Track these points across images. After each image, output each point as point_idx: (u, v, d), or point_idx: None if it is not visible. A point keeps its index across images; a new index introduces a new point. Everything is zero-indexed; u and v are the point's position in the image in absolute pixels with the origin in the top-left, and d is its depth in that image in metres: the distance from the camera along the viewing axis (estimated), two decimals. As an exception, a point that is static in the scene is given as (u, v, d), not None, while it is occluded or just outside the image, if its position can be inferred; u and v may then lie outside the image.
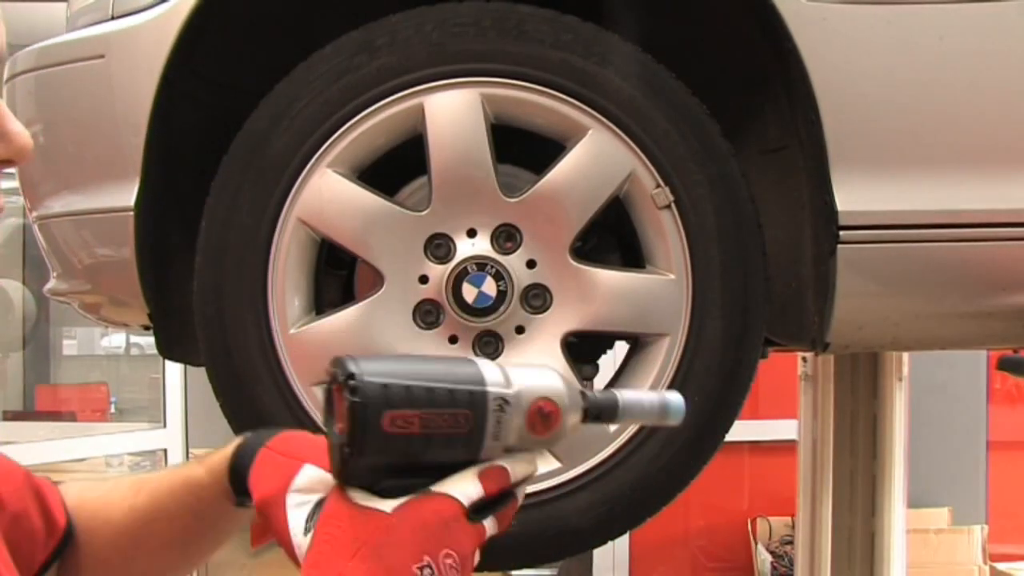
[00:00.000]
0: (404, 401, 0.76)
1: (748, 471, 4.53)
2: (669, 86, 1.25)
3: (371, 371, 0.76)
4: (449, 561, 0.77)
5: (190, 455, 4.20)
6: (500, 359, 1.26)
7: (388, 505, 0.75)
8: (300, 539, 0.79)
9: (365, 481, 0.77)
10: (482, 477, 0.77)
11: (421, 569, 0.75)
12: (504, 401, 0.78)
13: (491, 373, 0.79)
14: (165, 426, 4.10)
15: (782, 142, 1.36)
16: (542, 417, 0.79)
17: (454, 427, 0.77)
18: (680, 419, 0.86)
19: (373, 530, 0.74)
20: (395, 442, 0.75)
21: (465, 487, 0.77)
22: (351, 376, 0.75)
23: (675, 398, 0.88)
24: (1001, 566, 4.13)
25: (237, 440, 0.93)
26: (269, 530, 0.83)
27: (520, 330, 1.26)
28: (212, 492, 0.94)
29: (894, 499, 2.58)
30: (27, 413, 5.03)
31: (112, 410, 5.03)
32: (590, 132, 1.23)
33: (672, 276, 1.25)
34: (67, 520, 0.98)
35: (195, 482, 0.96)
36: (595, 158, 1.23)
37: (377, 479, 0.77)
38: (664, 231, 1.25)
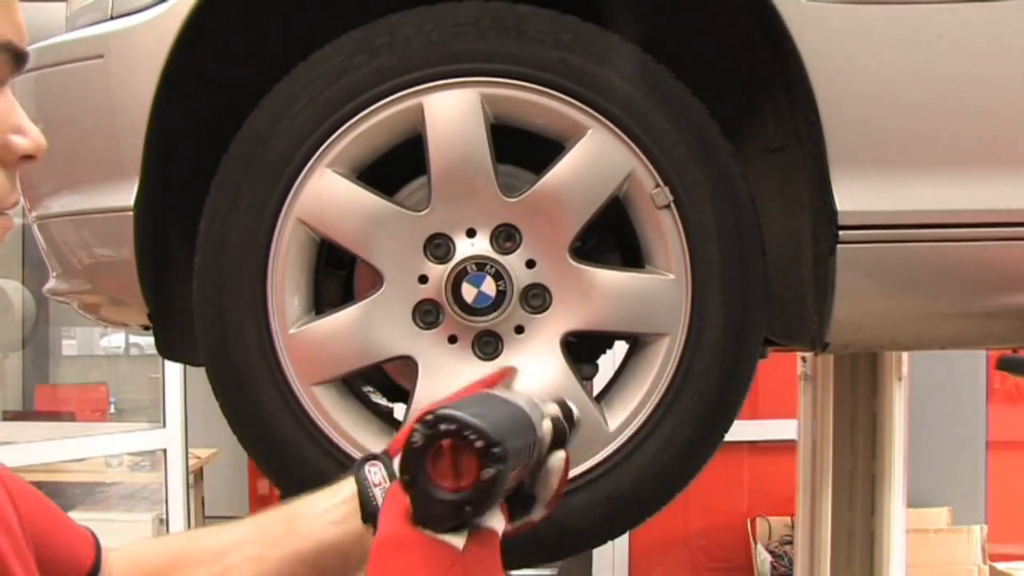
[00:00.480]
0: (519, 462, 0.85)
1: (748, 471, 4.53)
2: (669, 86, 1.25)
3: (500, 434, 0.81)
4: None
5: (190, 455, 4.20)
6: (500, 359, 1.26)
7: (458, 541, 0.80)
8: None
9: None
10: (502, 507, 0.85)
11: None
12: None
13: (536, 420, 0.89)
14: (165, 426, 4.10)
15: (782, 142, 1.36)
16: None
17: (521, 472, 0.88)
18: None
19: (451, 566, 0.79)
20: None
21: (498, 518, 0.84)
22: (493, 444, 0.80)
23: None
24: (1001, 566, 4.13)
25: (343, 481, 0.96)
26: None
27: (520, 330, 1.26)
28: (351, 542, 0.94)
29: (894, 499, 2.58)
30: (27, 413, 5.04)
31: (112, 410, 5.03)
32: (589, 132, 1.23)
33: (672, 276, 1.25)
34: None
35: (333, 546, 0.94)
36: (594, 158, 1.23)
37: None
38: (664, 231, 1.25)
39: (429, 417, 0.83)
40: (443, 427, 0.81)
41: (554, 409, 0.96)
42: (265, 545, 0.97)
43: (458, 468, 0.80)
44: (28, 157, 0.75)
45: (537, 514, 0.95)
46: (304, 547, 0.95)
